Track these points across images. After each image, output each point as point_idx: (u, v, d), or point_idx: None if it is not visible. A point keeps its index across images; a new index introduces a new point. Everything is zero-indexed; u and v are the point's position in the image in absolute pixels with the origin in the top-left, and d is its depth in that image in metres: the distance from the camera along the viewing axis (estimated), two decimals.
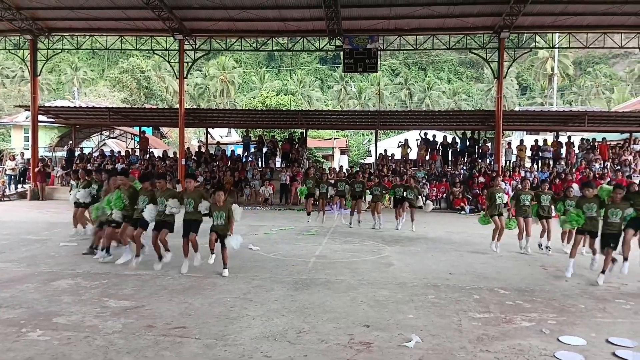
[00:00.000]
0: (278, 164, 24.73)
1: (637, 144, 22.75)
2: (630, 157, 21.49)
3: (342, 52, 21.21)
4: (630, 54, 60.76)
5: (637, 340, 5.29)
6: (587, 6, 18.52)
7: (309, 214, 14.74)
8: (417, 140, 24.08)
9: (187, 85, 32.64)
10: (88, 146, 31.68)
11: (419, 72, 73.09)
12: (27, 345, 4.94)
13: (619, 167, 20.60)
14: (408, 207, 14.03)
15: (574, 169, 21.10)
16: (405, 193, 13.89)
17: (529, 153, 23.52)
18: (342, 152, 44.46)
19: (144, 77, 54.81)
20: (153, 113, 28.74)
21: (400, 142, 25.37)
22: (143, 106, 43.49)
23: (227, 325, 5.57)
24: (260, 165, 24.03)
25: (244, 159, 24.34)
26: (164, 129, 39.98)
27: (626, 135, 24.14)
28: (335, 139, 43.89)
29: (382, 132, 41.77)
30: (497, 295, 7.07)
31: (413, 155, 24.44)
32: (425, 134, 24.14)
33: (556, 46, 37.38)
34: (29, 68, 23.13)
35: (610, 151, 22.36)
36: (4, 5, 19.57)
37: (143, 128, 27.91)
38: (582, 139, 24.37)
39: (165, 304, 6.36)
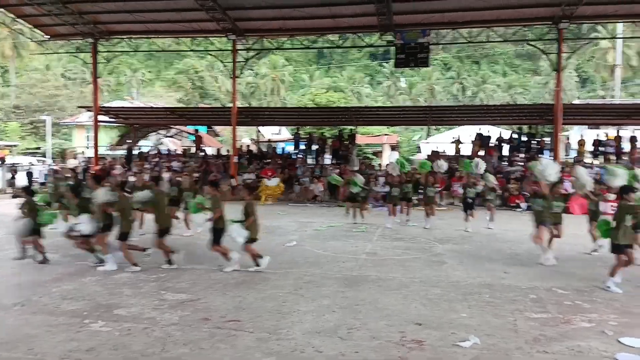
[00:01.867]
0: (327, 161, 24.79)
1: None
2: None
3: (392, 48, 20.96)
4: None
5: None
6: None
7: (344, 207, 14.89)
8: (470, 136, 23.53)
9: (239, 84, 33.03)
10: (145, 145, 32.72)
11: (472, 65, 71.23)
12: (89, 335, 5.19)
13: None
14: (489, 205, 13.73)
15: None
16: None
17: (590, 148, 22.51)
18: (393, 148, 44.01)
19: (198, 78, 56.34)
20: (207, 112, 29.51)
21: (453, 137, 24.89)
22: (197, 105, 44.63)
23: (279, 320, 5.65)
24: (310, 162, 24.16)
25: (294, 157, 24.57)
26: (217, 128, 40.85)
27: None
28: (385, 135, 43.51)
29: (434, 127, 41.02)
30: (554, 295, 6.84)
31: (466, 151, 23.88)
32: (480, 129, 23.55)
33: (619, 36, 35.73)
34: (91, 70, 24.15)
35: None
36: (68, 10, 20.51)
37: (197, 127, 28.62)
38: None
39: (220, 298, 6.52)
